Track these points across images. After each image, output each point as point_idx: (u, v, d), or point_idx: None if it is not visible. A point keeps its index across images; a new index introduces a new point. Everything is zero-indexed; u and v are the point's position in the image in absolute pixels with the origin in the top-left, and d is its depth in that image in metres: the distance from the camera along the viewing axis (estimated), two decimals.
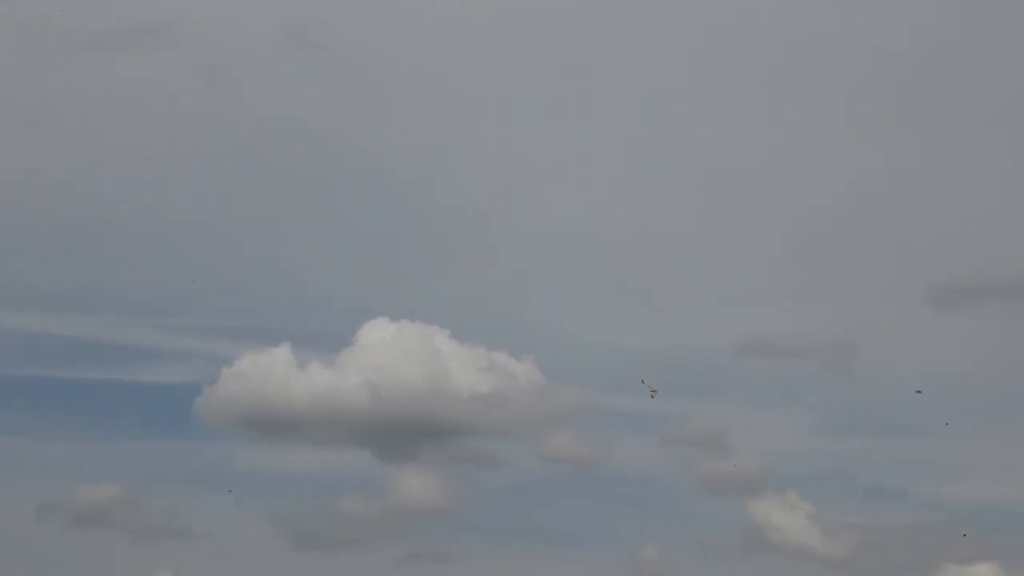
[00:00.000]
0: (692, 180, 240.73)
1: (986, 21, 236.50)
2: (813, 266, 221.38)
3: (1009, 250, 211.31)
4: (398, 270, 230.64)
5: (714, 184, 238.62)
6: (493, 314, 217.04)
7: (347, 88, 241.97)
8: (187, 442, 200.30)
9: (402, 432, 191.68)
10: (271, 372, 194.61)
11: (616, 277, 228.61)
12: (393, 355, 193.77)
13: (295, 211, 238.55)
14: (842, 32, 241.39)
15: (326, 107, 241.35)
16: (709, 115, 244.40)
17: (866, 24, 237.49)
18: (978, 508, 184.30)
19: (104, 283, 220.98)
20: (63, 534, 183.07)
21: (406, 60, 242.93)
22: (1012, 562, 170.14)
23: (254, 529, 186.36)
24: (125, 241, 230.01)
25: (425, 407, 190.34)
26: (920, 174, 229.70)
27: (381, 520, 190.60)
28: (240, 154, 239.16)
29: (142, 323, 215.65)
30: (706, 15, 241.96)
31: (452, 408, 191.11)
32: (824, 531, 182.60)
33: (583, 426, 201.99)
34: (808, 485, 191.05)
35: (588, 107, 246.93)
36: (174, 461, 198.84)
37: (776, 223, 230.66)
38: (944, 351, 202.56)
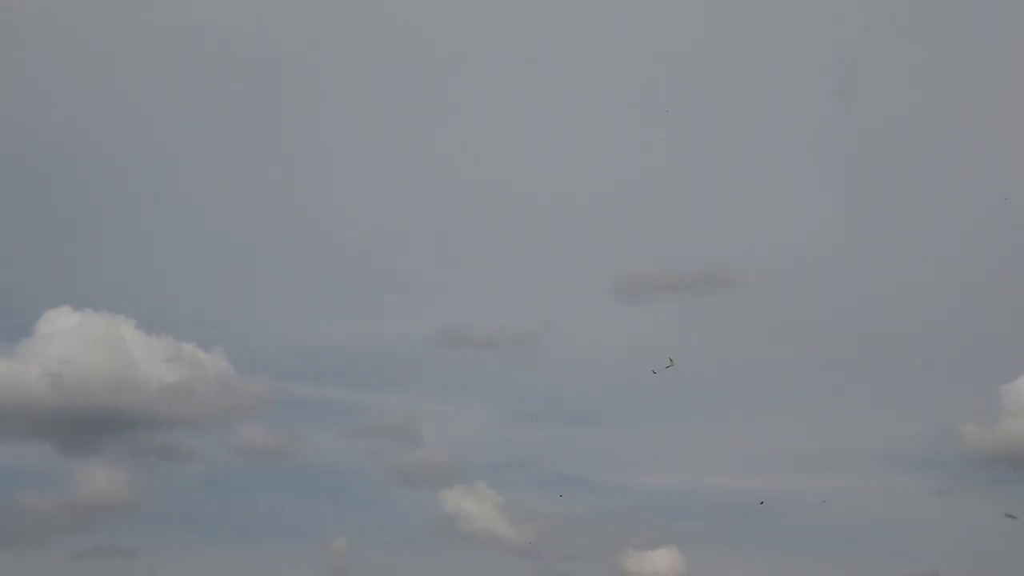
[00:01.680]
0: (388, 176, 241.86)
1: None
2: (502, 258, 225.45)
3: (686, 247, 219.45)
4: (82, 257, 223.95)
5: (408, 179, 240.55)
6: (181, 304, 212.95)
7: (26, 65, 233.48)
8: None
9: (85, 424, 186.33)
10: None
11: (308, 268, 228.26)
12: (76, 345, 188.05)
13: None
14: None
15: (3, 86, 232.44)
16: (404, 113, 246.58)
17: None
18: (658, 494, 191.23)
19: None
20: None
21: (90, 36, 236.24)
22: (690, 546, 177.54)
23: None
24: None
25: (110, 399, 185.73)
26: (606, 172, 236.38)
27: (62, 515, 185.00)
28: None
29: None
30: None
31: (139, 400, 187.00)
32: (511, 519, 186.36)
33: (273, 417, 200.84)
34: (496, 474, 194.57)
35: (295, 105, 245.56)
36: None
37: (467, 218, 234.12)
38: (625, 343, 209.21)
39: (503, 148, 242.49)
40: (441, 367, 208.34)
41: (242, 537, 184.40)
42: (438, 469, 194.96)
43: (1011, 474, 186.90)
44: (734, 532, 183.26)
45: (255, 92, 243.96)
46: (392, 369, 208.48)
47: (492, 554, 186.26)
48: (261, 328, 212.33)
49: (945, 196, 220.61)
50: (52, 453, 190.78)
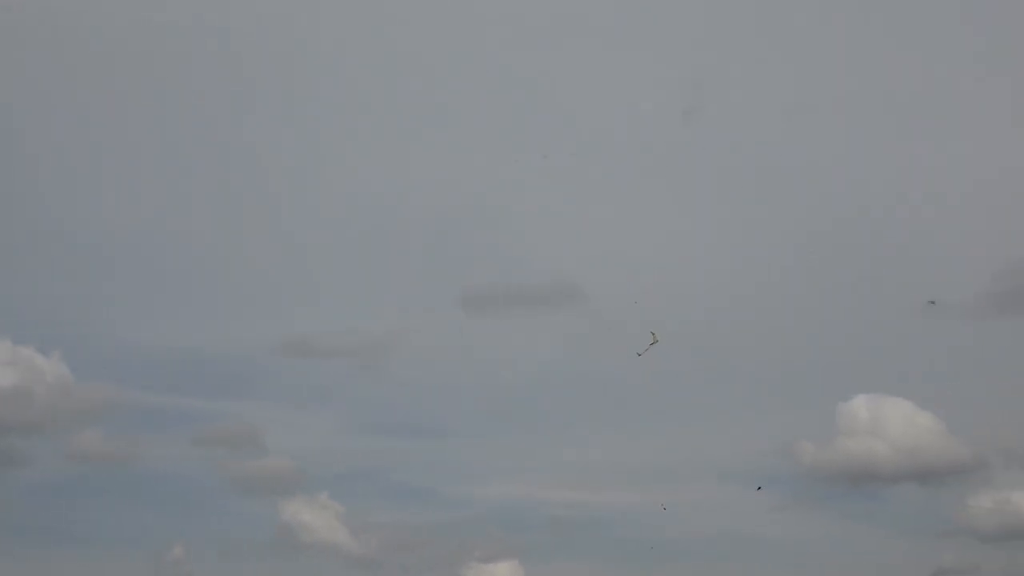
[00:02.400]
0: (238, 180, 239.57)
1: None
2: (350, 268, 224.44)
3: (534, 261, 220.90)
4: None
5: (255, 185, 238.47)
6: (18, 306, 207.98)
7: None
8: None
9: None
10: None
11: (150, 271, 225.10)
12: None
13: None
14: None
15: None
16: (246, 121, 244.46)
17: None
18: (501, 507, 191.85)
19: None
20: None
21: None
22: (531, 559, 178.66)
23: None
24: None
25: None
26: (455, 185, 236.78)
27: None
28: None
29: None
30: None
31: None
32: (353, 530, 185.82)
33: (112, 424, 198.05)
34: (340, 484, 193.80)
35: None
36: None
37: (315, 226, 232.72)
38: (472, 355, 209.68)
39: (350, 157, 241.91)
40: (286, 376, 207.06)
41: (79, 544, 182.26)
42: (280, 479, 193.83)
43: (846, 491, 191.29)
44: (575, 545, 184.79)
45: None
46: (236, 377, 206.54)
47: (333, 565, 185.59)
48: (101, 333, 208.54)
49: (790, 217, 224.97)
50: None
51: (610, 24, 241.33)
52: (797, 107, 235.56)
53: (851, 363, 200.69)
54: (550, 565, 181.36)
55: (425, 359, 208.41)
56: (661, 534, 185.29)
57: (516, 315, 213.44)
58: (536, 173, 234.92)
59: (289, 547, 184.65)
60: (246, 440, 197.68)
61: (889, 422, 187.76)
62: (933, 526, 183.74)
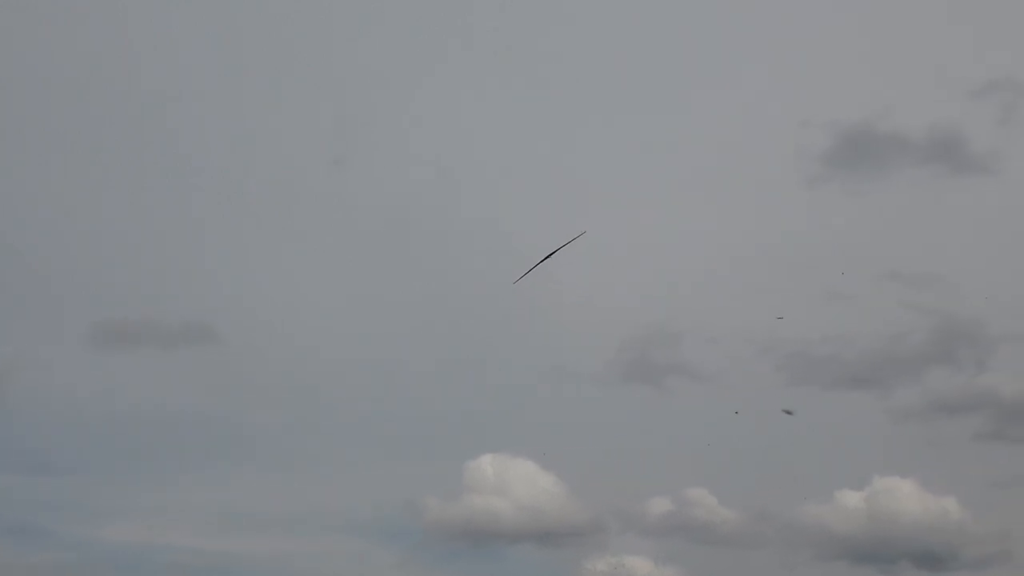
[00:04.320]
0: None
1: None
2: None
3: (170, 298, 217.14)
4: None
5: None
6: None
7: None
8: None
9: None
10: None
11: None
12: None
13: None
14: None
15: None
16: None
17: None
18: (118, 550, 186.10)
19: None
20: None
21: None
22: None
23: None
24: None
25: None
26: (89, 215, 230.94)
27: None
28: None
29: None
30: None
31: None
32: None
33: None
34: None
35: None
36: None
37: None
38: (97, 391, 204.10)
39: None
40: None
41: None
42: None
43: (468, 548, 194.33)
44: None
45: None
46: None
47: None
48: None
49: (425, 275, 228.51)
50: None
51: (264, 76, 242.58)
52: (446, 165, 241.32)
53: (479, 422, 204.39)
54: None
55: (46, 393, 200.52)
56: None
57: (147, 353, 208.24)
58: (174, 212, 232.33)
59: None
60: None
61: (513, 482, 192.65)
62: None
